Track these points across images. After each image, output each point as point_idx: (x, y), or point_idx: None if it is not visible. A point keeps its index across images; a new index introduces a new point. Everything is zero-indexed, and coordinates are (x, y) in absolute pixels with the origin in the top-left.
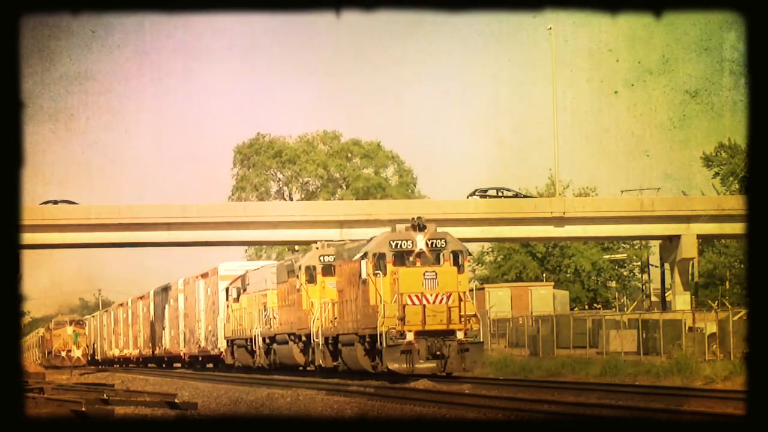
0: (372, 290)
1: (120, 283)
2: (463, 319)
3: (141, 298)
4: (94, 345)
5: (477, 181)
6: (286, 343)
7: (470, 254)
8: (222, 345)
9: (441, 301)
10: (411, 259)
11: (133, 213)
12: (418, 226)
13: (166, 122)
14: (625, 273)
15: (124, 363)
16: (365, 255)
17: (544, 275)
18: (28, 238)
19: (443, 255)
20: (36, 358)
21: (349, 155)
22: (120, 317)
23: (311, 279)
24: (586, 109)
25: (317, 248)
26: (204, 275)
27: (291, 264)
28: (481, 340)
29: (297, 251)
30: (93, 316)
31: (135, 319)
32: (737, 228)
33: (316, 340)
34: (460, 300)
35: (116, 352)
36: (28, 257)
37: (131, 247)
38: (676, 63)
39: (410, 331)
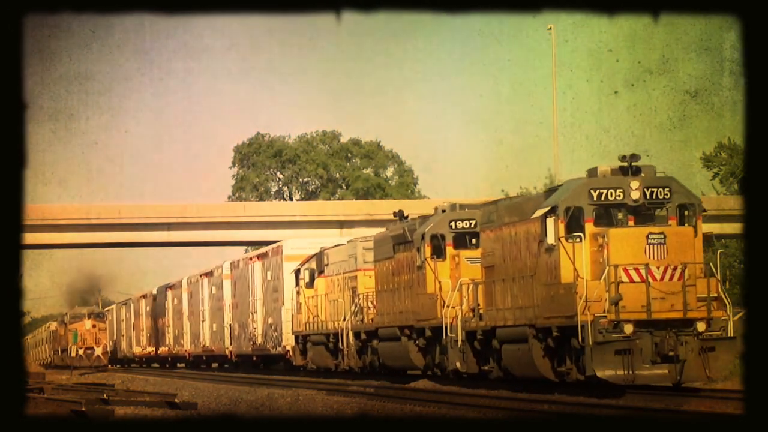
0: (564, 261)
1: (120, 283)
2: (702, 305)
3: (170, 287)
4: (115, 343)
5: (477, 181)
6: (397, 339)
7: (704, 210)
8: (288, 342)
9: (672, 277)
10: (620, 216)
11: (133, 213)
12: (630, 168)
13: (166, 122)
14: None
15: (147, 363)
16: (553, 210)
17: None
18: (28, 238)
19: (667, 210)
20: (47, 356)
21: (349, 155)
22: (142, 310)
23: (438, 252)
24: (586, 109)
25: (443, 211)
26: (261, 256)
27: (402, 234)
28: (733, 334)
29: (407, 218)
30: (108, 310)
31: (162, 312)
32: (737, 228)
33: (450, 335)
34: (698, 276)
35: (138, 350)
36: (28, 257)
37: (131, 247)
38: (676, 63)
39: (629, 321)
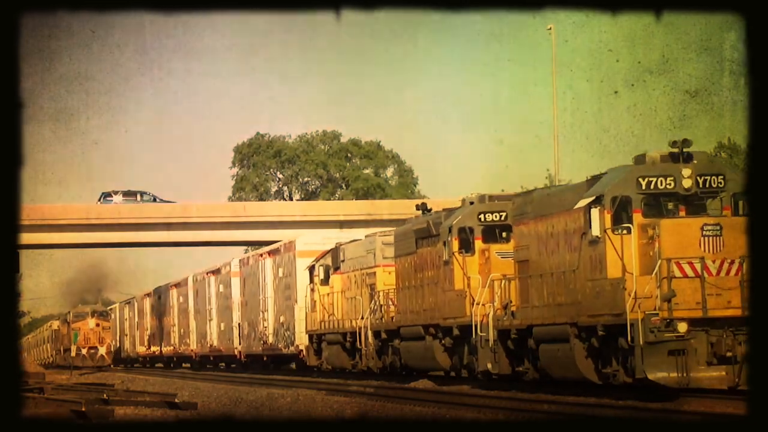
0: (611, 255)
1: (120, 283)
2: None
3: (175, 285)
4: (118, 342)
5: (477, 181)
6: (421, 338)
7: None
8: (302, 341)
9: (729, 272)
10: (671, 206)
11: (133, 213)
12: (682, 154)
13: (166, 122)
14: None
15: (151, 362)
16: (598, 200)
17: None
18: (28, 238)
19: (720, 199)
20: (48, 356)
21: (349, 155)
22: (146, 309)
23: (467, 246)
24: (586, 109)
25: (471, 203)
26: (273, 252)
27: (426, 228)
28: None
29: (429, 211)
30: (111, 309)
31: (166, 311)
32: None
33: (480, 334)
34: None
35: (142, 350)
36: (28, 257)
37: (131, 247)
38: (676, 63)
39: (683, 319)
